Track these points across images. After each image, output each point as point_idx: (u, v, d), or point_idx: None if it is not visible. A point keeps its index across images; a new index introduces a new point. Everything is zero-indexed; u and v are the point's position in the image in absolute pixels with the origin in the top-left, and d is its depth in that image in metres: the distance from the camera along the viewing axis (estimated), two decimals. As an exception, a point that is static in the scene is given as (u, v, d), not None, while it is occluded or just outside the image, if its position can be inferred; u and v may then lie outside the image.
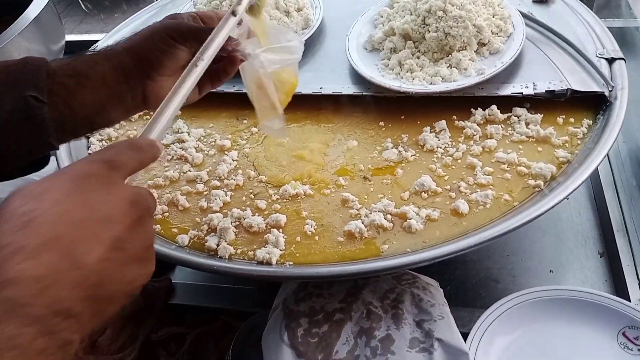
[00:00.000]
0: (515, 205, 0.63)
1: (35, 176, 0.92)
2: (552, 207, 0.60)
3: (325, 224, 0.65)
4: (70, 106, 0.52)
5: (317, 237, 0.64)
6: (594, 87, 0.72)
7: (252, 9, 0.58)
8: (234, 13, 0.55)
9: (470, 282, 0.78)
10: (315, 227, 0.65)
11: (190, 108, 0.86)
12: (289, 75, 0.62)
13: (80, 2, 1.45)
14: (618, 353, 0.55)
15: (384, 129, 0.77)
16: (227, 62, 0.60)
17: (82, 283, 0.34)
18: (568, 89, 0.72)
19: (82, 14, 1.45)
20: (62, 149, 0.79)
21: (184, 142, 0.80)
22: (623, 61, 0.75)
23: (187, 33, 0.54)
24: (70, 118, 0.53)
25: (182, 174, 0.76)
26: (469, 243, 0.58)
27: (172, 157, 0.79)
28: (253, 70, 0.58)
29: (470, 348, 0.56)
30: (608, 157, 0.89)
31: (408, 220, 0.63)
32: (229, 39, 0.56)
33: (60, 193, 0.36)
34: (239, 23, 0.59)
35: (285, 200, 0.69)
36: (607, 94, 0.70)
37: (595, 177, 0.87)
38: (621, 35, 0.91)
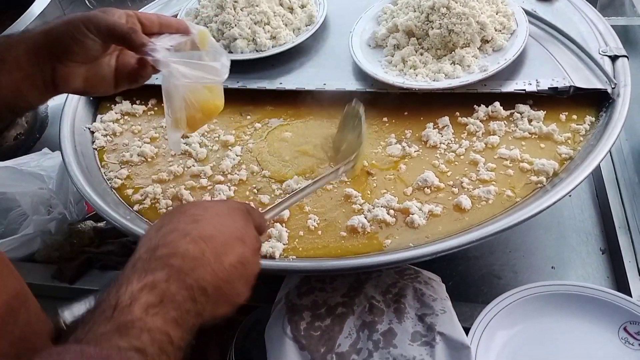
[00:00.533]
0: (518, 201, 0.63)
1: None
2: (554, 203, 0.60)
3: (328, 219, 0.66)
4: None
5: (320, 232, 0.64)
6: (596, 85, 0.72)
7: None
8: None
9: (472, 278, 0.79)
10: (318, 221, 0.65)
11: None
12: (213, 95, 0.61)
13: (85, -1, 1.47)
14: (619, 348, 0.55)
15: (387, 124, 0.77)
16: (142, 66, 0.61)
17: (217, 274, 0.44)
18: (571, 86, 0.72)
19: (86, 10, 1.45)
20: (68, 146, 0.79)
21: (188, 137, 0.81)
22: (626, 59, 0.75)
23: (103, 27, 0.56)
24: None
25: (186, 168, 0.76)
26: (471, 238, 0.58)
27: (176, 152, 0.79)
28: (165, 78, 0.58)
29: (472, 342, 0.56)
30: (610, 154, 0.89)
31: (411, 215, 0.63)
32: (146, 41, 0.56)
33: (219, 210, 0.49)
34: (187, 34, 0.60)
35: (288, 195, 0.70)
36: (609, 91, 0.70)
37: (597, 174, 0.87)
38: (624, 34, 0.91)
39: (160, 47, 0.57)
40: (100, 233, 0.88)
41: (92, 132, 0.85)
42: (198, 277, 0.43)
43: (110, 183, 0.76)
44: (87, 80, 0.59)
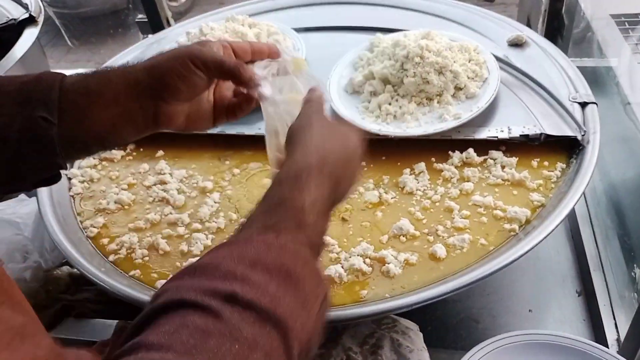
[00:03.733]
0: (491, 249, 0.64)
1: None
2: (527, 252, 0.61)
3: (305, 269, 0.66)
4: (81, 124, 0.53)
5: (297, 283, 0.64)
6: (567, 132, 0.74)
7: None
8: None
9: (450, 323, 0.79)
10: (296, 271, 0.65)
11: (173, 149, 0.87)
12: None
13: (67, 38, 1.46)
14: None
15: (365, 169, 0.78)
16: (243, 99, 0.61)
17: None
18: (542, 133, 0.74)
19: (68, 49, 1.45)
20: (45, 194, 0.79)
21: (166, 183, 0.81)
22: (595, 105, 0.77)
23: (210, 62, 0.54)
24: (81, 136, 0.53)
25: (163, 216, 0.76)
26: (447, 289, 0.59)
27: (154, 199, 0.79)
28: (270, 115, 0.57)
29: (449, 395, 0.56)
30: (585, 196, 0.91)
31: (387, 264, 0.64)
32: (253, 75, 0.56)
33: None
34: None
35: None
36: (579, 138, 0.72)
37: (572, 216, 0.89)
38: (593, 75, 0.94)
39: (265, 81, 0.56)
40: (76, 279, 0.86)
41: (70, 179, 0.84)
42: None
43: (85, 232, 0.75)
44: (188, 117, 0.58)
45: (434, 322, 0.78)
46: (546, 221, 0.64)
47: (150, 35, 1.27)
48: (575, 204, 0.65)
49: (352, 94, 0.87)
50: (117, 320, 0.74)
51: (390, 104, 0.81)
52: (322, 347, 0.64)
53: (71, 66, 1.41)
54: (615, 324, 0.72)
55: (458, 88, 0.81)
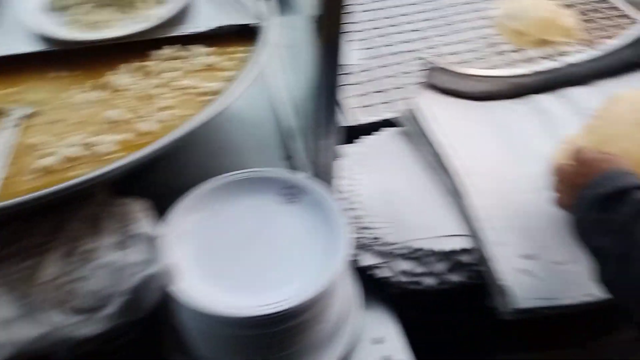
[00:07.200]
0: (193, 114, 0.73)
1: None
2: (223, 109, 0.71)
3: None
4: None
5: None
6: (249, 22, 0.87)
7: None
8: None
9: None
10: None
11: None
12: None
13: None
14: (281, 205, 0.70)
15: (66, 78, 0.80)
16: None
17: None
18: (230, 24, 0.86)
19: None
20: None
21: None
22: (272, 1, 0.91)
23: None
24: None
25: None
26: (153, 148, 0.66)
27: None
28: None
29: (164, 233, 0.64)
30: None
31: (98, 146, 0.68)
32: None
33: None
34: None
35: None
36: (257, 26, 0.85)
37: (274, 102, 1.04)
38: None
39: None
40: None
41: None
42: None
43: None
44: None
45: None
46: (239, 85, 0.75)
47: None
48: (260, 72, 0.77)
49: (55, 11, 0.88)
50: None
51: (88, 14, 0.84)
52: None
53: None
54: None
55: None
